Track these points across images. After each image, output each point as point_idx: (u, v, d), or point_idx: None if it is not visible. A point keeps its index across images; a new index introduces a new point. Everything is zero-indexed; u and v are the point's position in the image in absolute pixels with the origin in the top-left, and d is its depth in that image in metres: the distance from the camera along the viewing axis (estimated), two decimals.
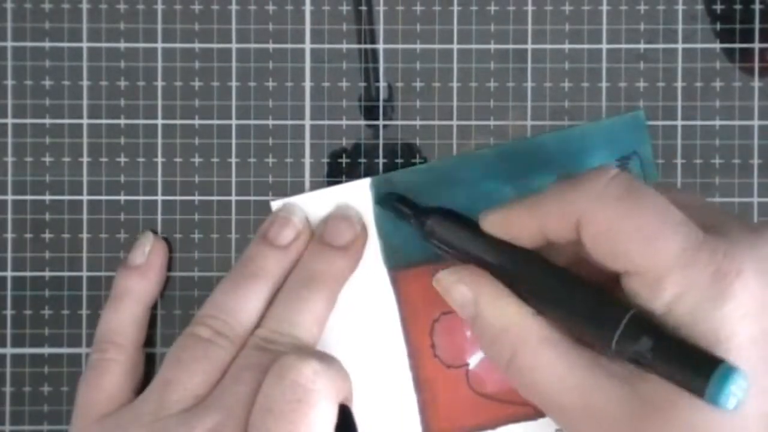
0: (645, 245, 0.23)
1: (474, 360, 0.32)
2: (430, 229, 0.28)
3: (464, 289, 0.27)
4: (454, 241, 0.28)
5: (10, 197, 0.32)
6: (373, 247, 0.31)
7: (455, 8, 0.32)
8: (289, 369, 0.26)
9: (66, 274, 0.32)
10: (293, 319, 0.29)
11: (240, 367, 0.28)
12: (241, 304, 0.29)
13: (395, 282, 0.32)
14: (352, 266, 0.31)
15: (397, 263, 0.32)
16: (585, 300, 0.24)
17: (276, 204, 0.32)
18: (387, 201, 0.31)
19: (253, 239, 0.31)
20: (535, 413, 0.31)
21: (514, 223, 0.26)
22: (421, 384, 0.31)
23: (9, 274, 0.32)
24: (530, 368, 0.25)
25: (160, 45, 0.32)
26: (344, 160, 0.32)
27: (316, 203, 0.32)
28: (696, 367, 0.22)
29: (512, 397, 0.31)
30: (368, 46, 0.32)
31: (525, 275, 0.26)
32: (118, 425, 0.28)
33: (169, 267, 0.32)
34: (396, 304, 0.31)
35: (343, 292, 0.31)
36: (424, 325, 0.32)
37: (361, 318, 0.31)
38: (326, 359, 0.27)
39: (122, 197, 0.32)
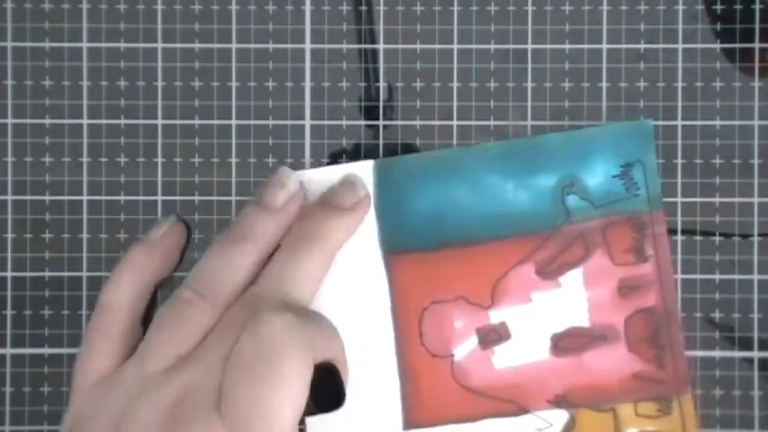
0: None
1: (460, 352, 0.32)
2: None
3: None
4: None
5: (10, 197, 0.32)
6: (371, 229, 0.32)
7: (455, 8, 0.32)
8: (263, 323, 0.26)
9: (66, 274, 0.32)
10: (286, 277, 0.29)
11: (224, 323, 0.28)
12: (227, 266, 0.29)
13: (389, 266, 0.32)
14: (351, 230, 0.31)
15: (392, 248, 0.32)
16: None
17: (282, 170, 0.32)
18: None
19: (247, 204, 0.31)
20: (518, 410, 0.31)
21: None
22: (405, 371, 0.31)
23: (9, 274, 0.32)
24: None
25: (160, 45, 0.32)
26: (344, 161, 0.32)
27: (318, 180, 0.32)
28: None
29: (495, 393, 0.31)
30: (368, 46, 0.32)
31: None
32: (105, 390, 0.28)
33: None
34: (388, 288, 0.32)
35: (337, 271, 0.31)
36: (414, 313, 0.32)
37: (352, 299, 0.31)
38: (307, 314, 0.27)
39: (122, 197, 0.32)
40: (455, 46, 0.32)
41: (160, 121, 0.32)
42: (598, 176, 0.32)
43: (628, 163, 0.32)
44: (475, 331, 0.32)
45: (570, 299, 0.32)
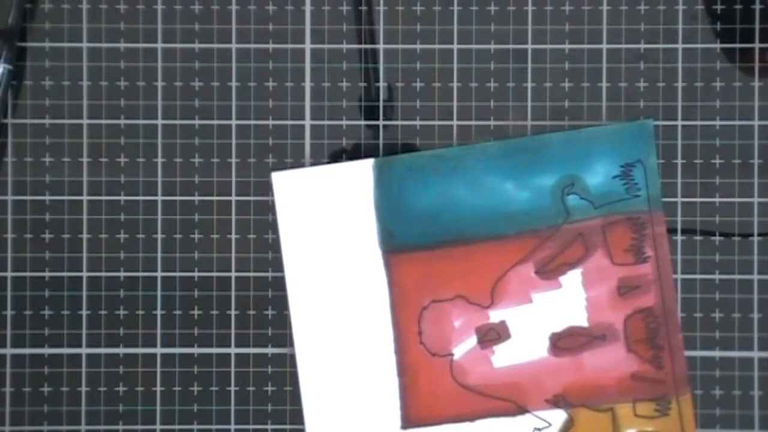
0: None
1: (459, 351, 0.32)
2: None
3: None
4: None
5: (10, 197, 0.32)
6: (370, 228, 0.32)
7: (455, 8, 0.32)
8: None
9: (66, 274, 0.32)
10: None
11: None
12: None
13: (388, 265, 0.32)
14: None
15: (392, 246, 0.32)
16: None
17: (277, 175, 0.32)
18: None
19: None
20: (517, 409, 0.31)
21: None
22: (404, 369, 0.32)
23: (9, 274, 0.32)
24: None
25: (160, 45, 0.32)
26: (344, 161, 0.32)
27: (317, 178, 0.32)
28: None
29: (494, 392, 0.32)
30: (368, 46, 0.32)
31: None
32: None
33: (170, 267, 0.32)
34: (387, 287, 0.32)
35: (337, 270, 0.31)
36: (413, 311, 0.32)
37: (351, 297, 0.32)
38: None
39: (122, 197, 0.32)
40: (455, 46, 0.32)
41: (160, 121, 0.32)
42: (598, 176, 0.32)
43: (628, 164, 0.32)
44: (475, 330, 0.32)
45: (569, 299, 0.32)
